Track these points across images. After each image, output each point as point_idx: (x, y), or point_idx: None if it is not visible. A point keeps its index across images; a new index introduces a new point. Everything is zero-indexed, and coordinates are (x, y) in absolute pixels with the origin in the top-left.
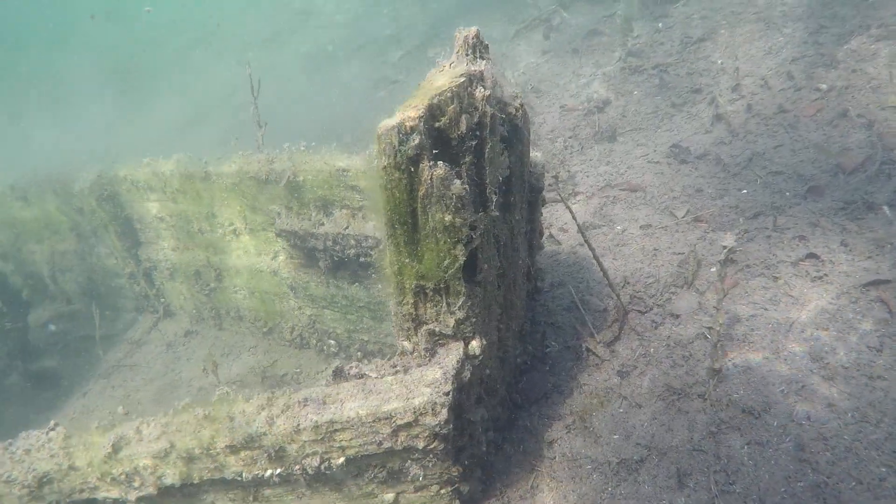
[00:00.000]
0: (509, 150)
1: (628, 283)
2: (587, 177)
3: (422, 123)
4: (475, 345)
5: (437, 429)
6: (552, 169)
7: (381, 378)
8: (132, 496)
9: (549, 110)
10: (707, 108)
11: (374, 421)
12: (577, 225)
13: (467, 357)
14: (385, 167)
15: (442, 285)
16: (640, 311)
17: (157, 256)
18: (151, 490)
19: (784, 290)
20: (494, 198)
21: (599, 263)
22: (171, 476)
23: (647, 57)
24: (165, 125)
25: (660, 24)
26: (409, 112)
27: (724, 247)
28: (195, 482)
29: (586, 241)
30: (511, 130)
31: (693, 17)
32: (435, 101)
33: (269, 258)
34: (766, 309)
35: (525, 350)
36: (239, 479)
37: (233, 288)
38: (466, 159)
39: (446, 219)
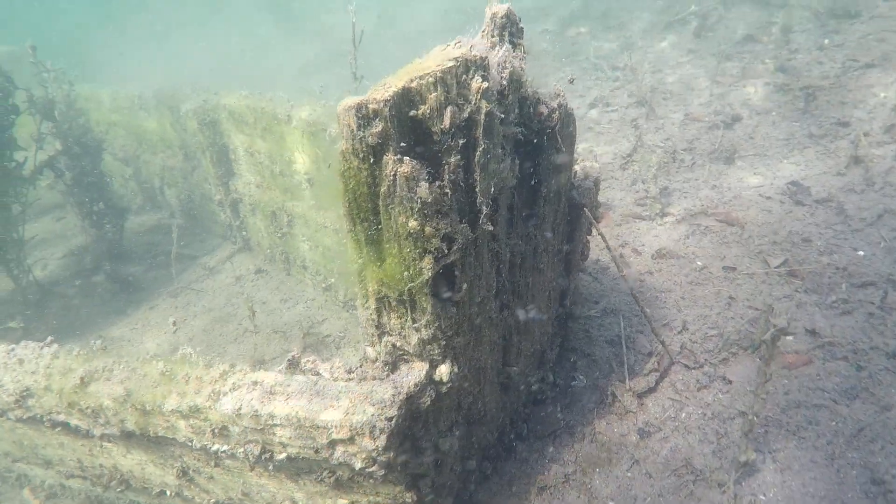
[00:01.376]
0: (538, 157)
1: (686, 329)
2: (685, 197)
3: (388, 108)
4: (443, 370)
5: (375, 454)
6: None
7: (335, 381)
8: (97, 431)
9: (672, 115)
10: (848, 147)
11: (311, 427)
12: (611, 253)
13: (431, 382)
14: (343, 152)
15: (406, 297)
16: (686, 366)
17: (244, 190)
18: (115, 431)
19: (865, 386)
20: (486, 209)
21: (638, 302)
22: (131, 423)
23: (799, 75)
24: (296, 62)
25: (826, 41)
26: (377, 93)
27: (774, 325)
28: (152, 435)
29: (619, 269)
30: (543, 134)
31: (869, 37)
32: (413, 84)
33: (334, 214)
34: (835, 402)
35: (544, 378)
36: (190, 444)
37: (301, 236)
38: (451, 160)
39: (410, 224)
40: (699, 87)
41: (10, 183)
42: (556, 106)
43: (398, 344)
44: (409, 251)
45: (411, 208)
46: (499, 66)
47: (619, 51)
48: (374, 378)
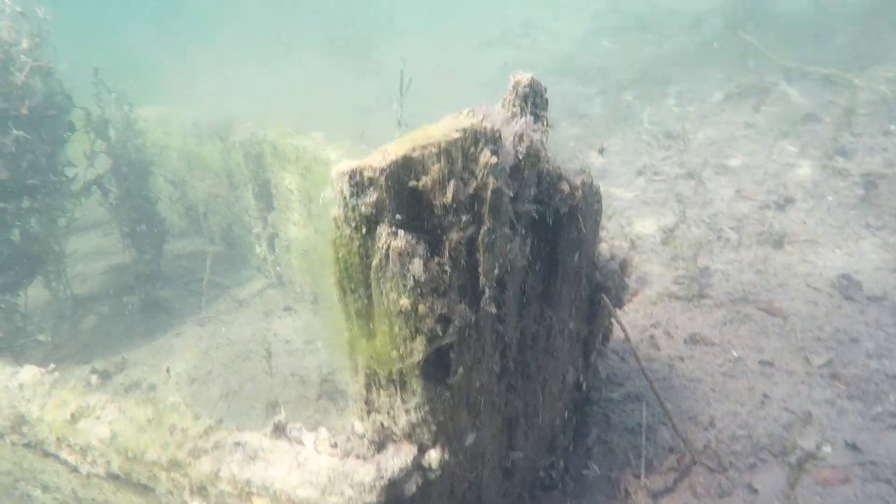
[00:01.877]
0: (557, 235)
1: (714, 426)
2: (726, 280)
3: (385, 178)
4: (433, 456)
5: None
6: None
7: (318, 454)
8: (84, 468)
9: (722, 191)
10: None
11: (286, 501)
12: (629, 342)
13: (418, 468)
14: (335, 219)
15: (395, 377)
16: (709, 468)
17: (281, 225)
18: (101, 471)
19: None
20: (488, 291)
21: (657, 394)
22: (115, 466)
23: (860, 161)
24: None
25: (892, 127)
26: (374, 160)
27: (801, 449)
28: (135, 481)
29: (638, 360)
30: (563, 212)
31: None
32: (415, 154)
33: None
34: None
35: (554, 464)
36: (171, 497)
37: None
38: (453, 237)
39: (402, 302)
40: (753, 163)
41: (58, 197)
42: (579, 183)
43: (386, 423)
44: (401, 330)
45: (404, 285)
46: (516, 139)
47: (675, 119)
48: (358, 456)
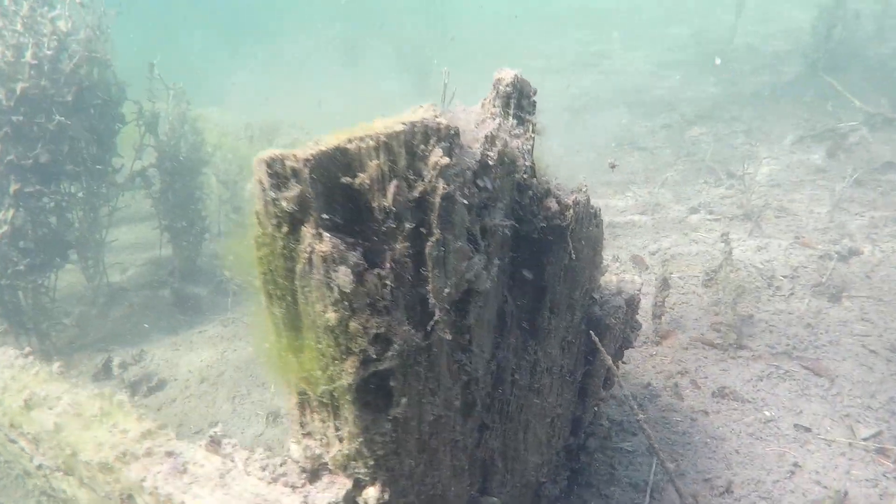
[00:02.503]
0: (543, 259)
1: (731, 492)
2: (770, 331)
3: (310, 170)
4: (371, 494)
5: None
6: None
7: (247, 475)
8: (37, 459)
9: (780, 236)
10: None
11: None
12: (622, 390)
13: None
14: (257, 214)
15: (325, 401)
16: None
17: None
18: (51, 464)
19: None
20: (438, 314)
21: (654, 448)
22: (60, 461)
23: None
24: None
25: None
26: (300, 150)
27: None
28: (77, 479)
29: (633, 409)
30: (550, 234)
31: None
32: (351, 146)
33: None
34: None
35: None
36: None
37: None
38: (396, 247)
39: (328, 316)
40: (819, 210)
41: (102, 186)
42: (570, 202)
43: (318, 451)
44: (329, 347)
45: (329, 297)
46: (486, 141)
47: (740, 158)
48: (286, 484)
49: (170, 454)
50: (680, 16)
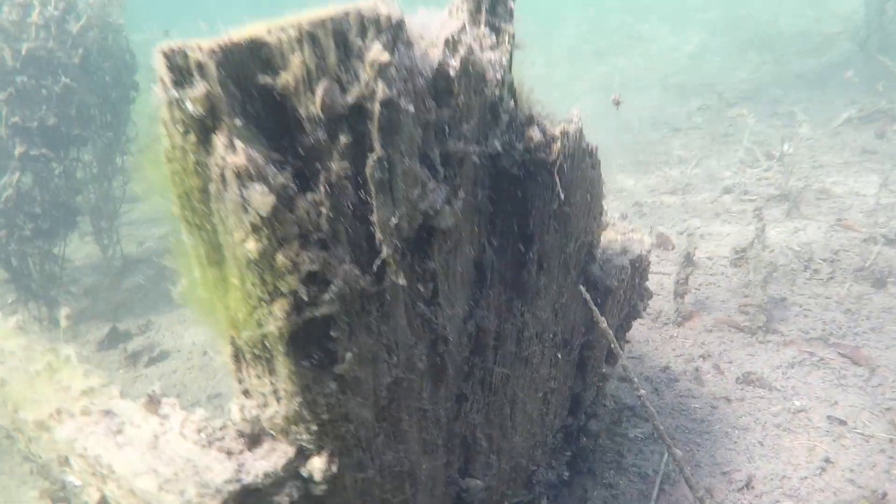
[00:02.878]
0: (529, 203)
1: (751, 487)
2: (805, 315)
3: (218, 65)
4: (316, 465)
5: None
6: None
7: (182, 438)
8: None
9: (820, 218)
10: None
11: (127, 490)
12: (625, 365)
13: (294, 477)
14: (163, 121)
15: (258, 352)
16: None
17: None
18: (3, 422)
19: None
20: (386, 251)
21: (661, 433)
22: (7, 420)
23: None
24: None
25: None
26: (208, 41)
27: None
28: (24, 440)
29: (633, 384)
30: (536, 172)
31: None
32: (270, 38)
33: None
34: None
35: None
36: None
37: None
38: (332, 166)
39: (248, 247)
40: (864, 192)
41: (116, 154)
42: (557, 133)
43: (255, 413)
44: (255, 287)
45: (244, 221)
46: (447, 46)
47: (780, 140)
48: (222, 449)
49: (107, 413)
50: None
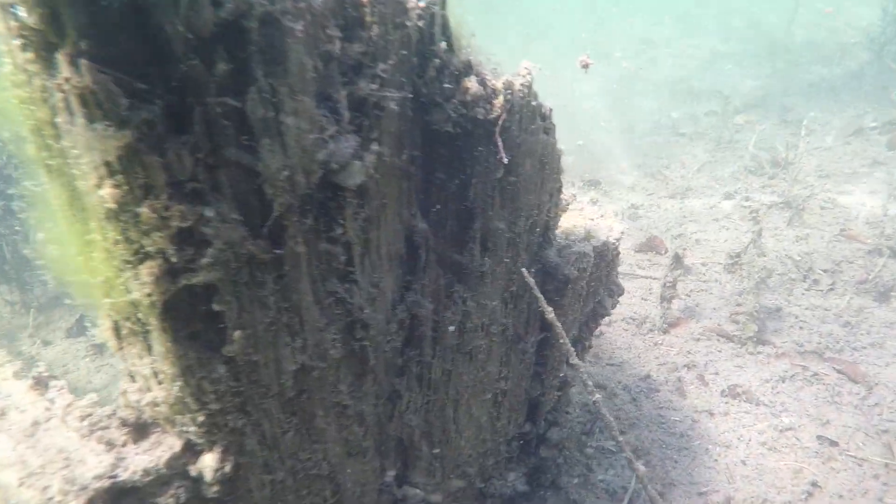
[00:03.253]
0: (470, 168)
1: None
2: (800, 327)
3: None
4: (208, 463)
5: None
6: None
7: (64, 425)
8: None
9: (825, 228)
10: None
11: None
12: (574, 363)
13: (182, 477)
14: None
15: (134, 326)
16: None
17: None
18: None
19: None
20: (277, 209)
21: (622, 446)
22: None
23: None
24: None
25: None
26: None
27: None
28: None
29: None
30: (473, 128)
31: None
32: None
33: None
34: None
35: None
36: None
37: None
38: (208, 101)
39: (103, 195)
40: (872, 203)
41: None
42: (500, 86)
43: (135, 397)
44: (118, 245)
45: (100, 163)
46: None
47: (787, 148)
48: (103, 440)
49: None
50: (736, 6)
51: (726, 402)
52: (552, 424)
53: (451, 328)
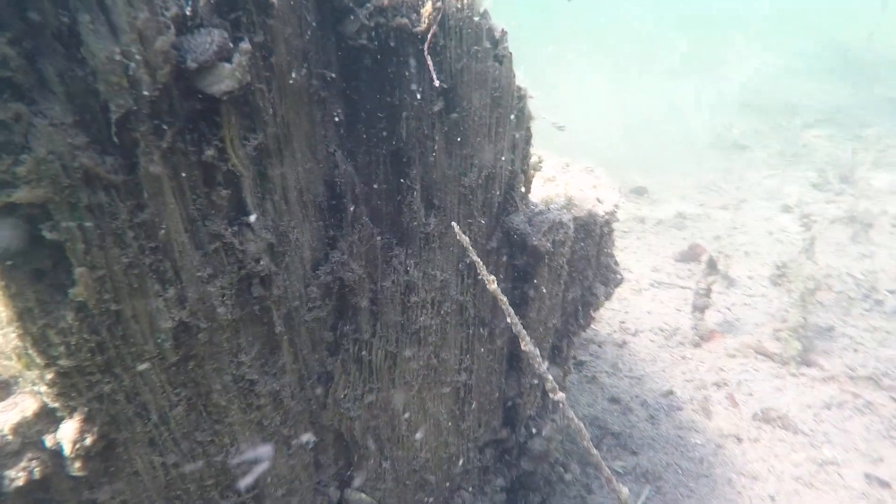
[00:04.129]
0: (393, 95)
1: None
2: (853, 349)
3: None
4: (67, 434)
5: None
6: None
7: None
8: None
9: (893, 248)
10: None
11: None
12: (540, 366)
13: (33, 444)
14: None
15: None
16: None
17: None
18: None
19: None
20: (116, 109)
21: (609, 479)
22: None
23: None
24: None
25: None
26: None
27: None
28: None
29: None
30: (392, 42)
31: None
32: None
33: None
34: None
35: None
36: None
37: None
38: None
39: None
40: None
41: None
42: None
43: None
44: None
45: None
46: None
47: (858, 164)
48: None
49: None
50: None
51: (758, 427)
52: (535, 433)
53: (393, 301)
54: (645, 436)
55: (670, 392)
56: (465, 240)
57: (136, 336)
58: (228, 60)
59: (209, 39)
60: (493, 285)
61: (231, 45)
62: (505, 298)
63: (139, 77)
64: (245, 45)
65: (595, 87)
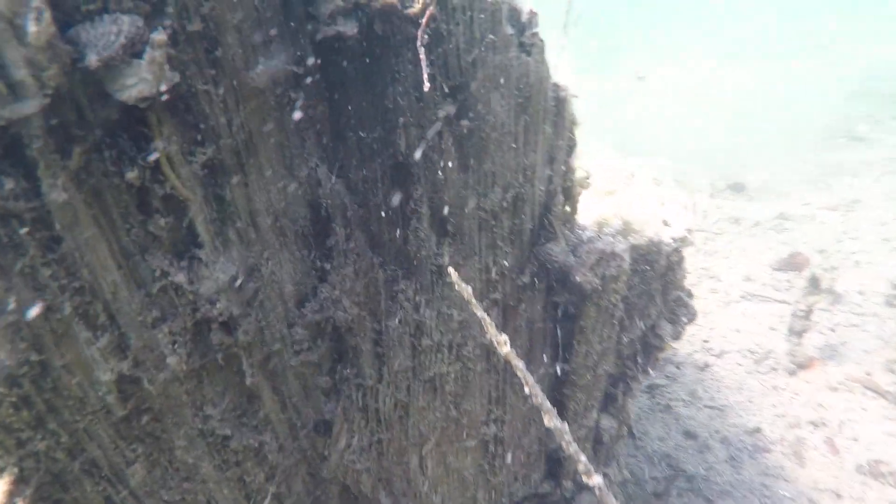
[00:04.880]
0: (387, 97)
1: None
2: None
3: None
4: None
5: None
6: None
7: None
8: None
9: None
10: None
11: None
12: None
13: None
14: None
15: None
16: None
17: None
18: None
19: None
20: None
21: None
22: None
23: None
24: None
25: None
26: None
27: None
28: None
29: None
30: (372, 31)
31: None
32: None
33: None
34: None
35: None
36: None
37: None
38: None
39: None
40: None
41: None
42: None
43: None
44: None
45: None
46: None
47: None
48: None
49: None
50: None
51: (863, 483)
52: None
53: (401, 344)
54: (723, 481)
55: (757, 429)
56: (467, 290)
57: (70, 388)
58: (137, 55)
59: (114, 29)
60: (505, 348)
61: (150, 35)
62: (521, 364)
63: (20, 82)
64: (158, 37)
65: (695, 74)
